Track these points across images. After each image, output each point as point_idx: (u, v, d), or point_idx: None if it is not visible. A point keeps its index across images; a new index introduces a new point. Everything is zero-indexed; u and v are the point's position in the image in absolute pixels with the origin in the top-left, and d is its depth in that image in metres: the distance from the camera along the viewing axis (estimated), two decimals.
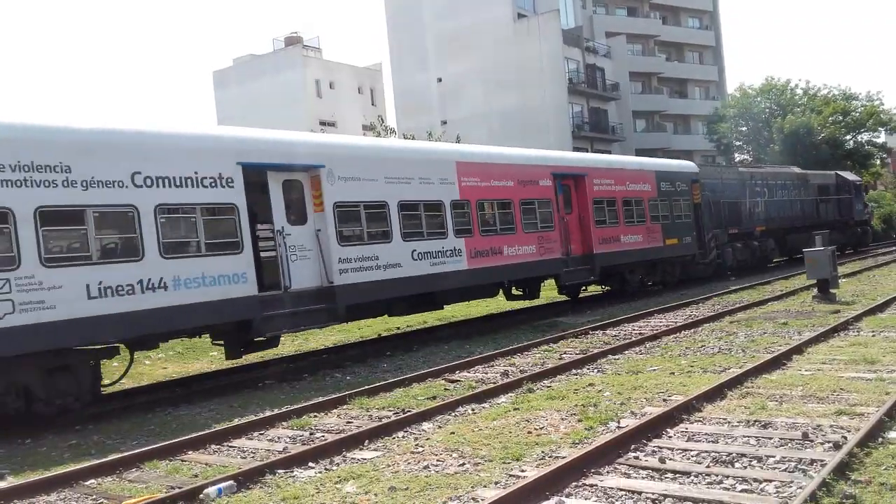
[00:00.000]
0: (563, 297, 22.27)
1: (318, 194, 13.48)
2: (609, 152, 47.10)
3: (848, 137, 54.95)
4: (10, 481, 7.56)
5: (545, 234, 18.30)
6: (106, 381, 11.73)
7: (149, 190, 11.08)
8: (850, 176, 37.23)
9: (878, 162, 59.28)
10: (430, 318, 19.65)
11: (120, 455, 8.06)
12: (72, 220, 10.28)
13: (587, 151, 45.07)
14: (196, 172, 11.64)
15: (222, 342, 13.20)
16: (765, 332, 13.19)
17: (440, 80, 51.12)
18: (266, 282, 12.74)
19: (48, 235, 10.00)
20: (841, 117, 54.03)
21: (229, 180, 12.01)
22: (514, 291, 19.33)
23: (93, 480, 7.41)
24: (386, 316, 14.45)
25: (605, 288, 22.71)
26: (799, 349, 10.93)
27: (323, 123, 52.79)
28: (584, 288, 22.34)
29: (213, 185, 11.83)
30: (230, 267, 11.87)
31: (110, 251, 10.73)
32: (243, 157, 12.37)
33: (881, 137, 59.17)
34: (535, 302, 20.97)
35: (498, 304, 22.26)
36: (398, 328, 19.56)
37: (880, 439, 6.44)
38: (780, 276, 24.83)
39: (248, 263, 12.12)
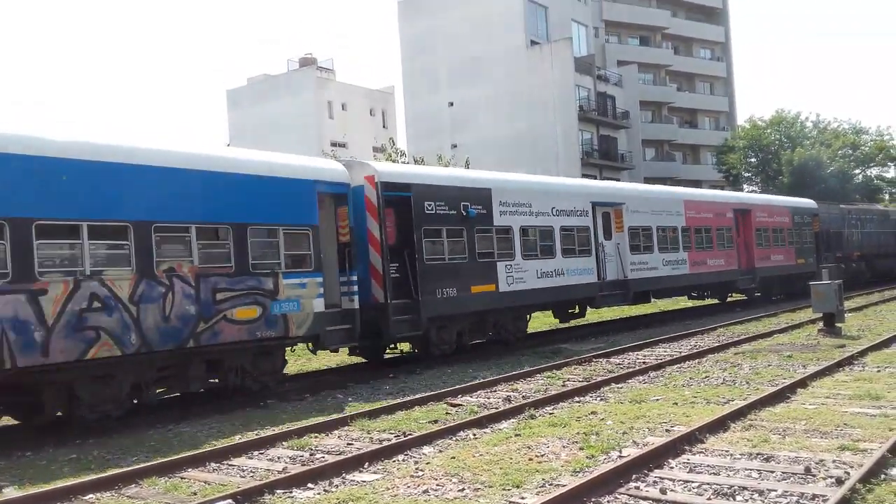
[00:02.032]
0: (741, 297, 29.08)
1: (619, 221, 21.43)
2: (618, 180, 47.19)
3: (857, 171, 54.99)
4: (8, 494, 7.56)
5: (728, 252, 26.04)
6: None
7: (556, 217, 19.13)
8: None
9: (887, 197, 59.24)
10: None
11: (119, 470, 8.05)
12: (532, 233, 18.43)
13: (595, 178, 45.21)
14: (574, 207, 19.74)
15: (554, 313, 21.26)
16: (769, 365, 13.12)
17: (451, 104, 51.45)
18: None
19: (524, 242, 18.03)
20: (850, 151, 54.15)
21: (586, 212, 20.16)
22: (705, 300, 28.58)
23: (91, 495, 7.40)
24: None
25: (757, 294, 28.67)
26: (803, 383, 10.87)
27: (334, 145, 53.11)
28: (730, 295, 29.16)
29: (581, 214, 19.95)
30: (587, 264, 19.88)
31: (545, 249, 18.71)
32: (593, 199, 20.71)
33: (890, 172, 59.19)
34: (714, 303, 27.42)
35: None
36: (402, 351, 19.51)
37: (883, 476, 6.40)
38: (787, 308, 24.75)
39: (594, 262, 20.16)
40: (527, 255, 17.97)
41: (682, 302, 30.15)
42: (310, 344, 13.99)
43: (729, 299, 29.35)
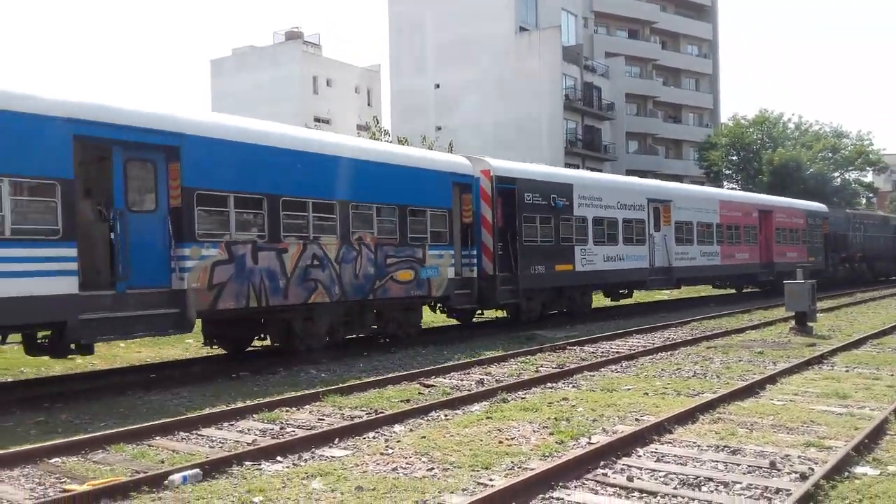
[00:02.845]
0: (756, 289, 32.99)
1: (667, 216, 24.70)
2: (600, 171, 47.33)
3: (836, 174, 55.55)
4: None
5: (752, 247, 29.45)
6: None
7: (620, 210, 22.34)
8: None
9: (864, 201, 59.97)
10: None
11: (87, 436, 7.98)
12: (601, 223, 21.53)
13: (578, 168, 45.30)
14: (633, 202, 23.04)
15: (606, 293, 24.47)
16: (740, 360, 13.27)
17: (438, 86, 51.19)
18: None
19: (595, 230, 21.13)
20: (830, 154, 54.65)
21: (642, 206, 23.43)
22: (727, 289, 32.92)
23: (57, 459, 7.33)
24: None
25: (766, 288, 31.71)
26: (773, 379, 11.00)
27: (318, 120, 52.73)
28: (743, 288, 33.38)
29: (638, 209, 23.23)
30: (641, 251, 23.10)
31: (611, 237, 21.81)
32: (648, 195, 24.01)
33: (868, 177, 59.84)
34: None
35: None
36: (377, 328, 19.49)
37: (847, 473, 6.49)
38: (760, 305, 25.04)
39: (647, 250, 23.47)
40: (597, 241, 21.33)
41: (660, 295, 30.96)
42: (438, 305, 17.61)
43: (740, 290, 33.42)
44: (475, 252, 17.55)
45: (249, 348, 15.03)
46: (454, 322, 19.91)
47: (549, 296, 20.15)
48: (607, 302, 25.28)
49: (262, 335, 14.45)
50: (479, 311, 19.33)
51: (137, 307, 11.04)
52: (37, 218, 10.00)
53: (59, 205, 10.09)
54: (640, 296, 29.24)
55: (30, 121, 9.86)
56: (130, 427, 8.33)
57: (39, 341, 10.94)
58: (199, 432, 8.46)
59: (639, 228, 23.19)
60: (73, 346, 10.48)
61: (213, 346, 14.50)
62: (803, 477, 6.39)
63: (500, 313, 20.30)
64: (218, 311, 12.16)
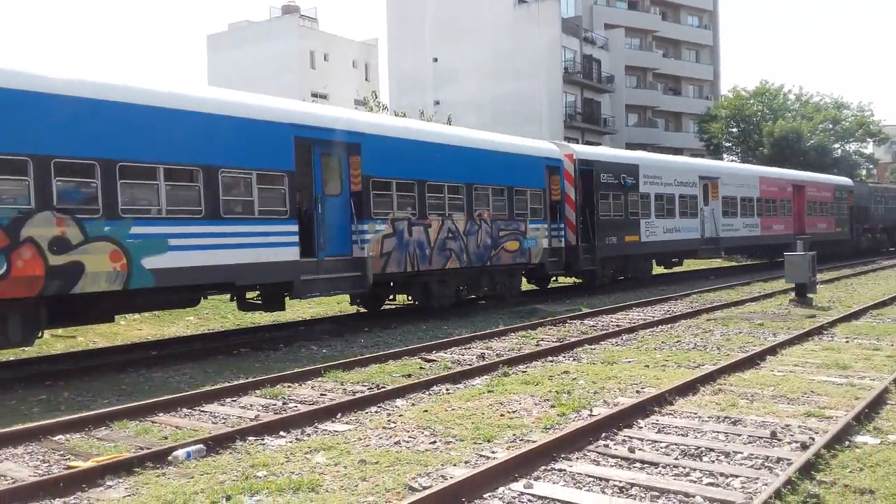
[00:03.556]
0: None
1: (715, 191, 27.26)
2: (600, 144, 47.13)
3: (836, 146, 55.32)
4: None
5: (787, 219, 32.34)
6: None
7: (677, 187, 25.06)
8: None
9: (864, 172, 59.80)
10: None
11: (90, 413, 8.01)
12: (662, 198, 24.22)
13: (578, 142, 45.11)
14: (687, 180, 25.85)
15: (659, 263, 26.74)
16: (740, 332, 13.30)
17: (436, 60, 50.81)
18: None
19: (657, 205, 23.85)
20: (831, 125, 54.38)
21: (695, 183, 26.19)
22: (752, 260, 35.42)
23: (61, 436, 7.36)
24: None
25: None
26: (773, 350, 11.03)
27: (315, 95, 52.36)
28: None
29: (691, 185, 25.95)
30: (694, 224, 25.93)
31: (669, 211, 24.53)
32: (700, 173, 26.78)
33: (869, 148, 59.59)
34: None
35: None
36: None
37: (847, 442, 6.52)
38: (760, 278, 25.06)
39: (699, 222, 26.08)
40: (658, 215, 24.07)
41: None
42: (523, 273, 19.91)
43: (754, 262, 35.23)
44: (562, 225, 20.54)
45: (383, 307, 17.92)
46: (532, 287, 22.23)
47: (619, 263, 22.94)
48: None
49: (392, 297, 17.58)
50: (552, 278, 22.13)
51: (331, 271, 13.94)
52: (273, 201, 12.76)
53: (286, 191, 12.90)
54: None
55: (266, 126, 12.66)
56: (133, 404, 8.36)
57: (250, 300, 13.88)
58: (201, 408, 8.49)
59: (692, 203, 25.93)
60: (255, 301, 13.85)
61: (357, 304, 17.47)
62: (804, 446, 6.42)
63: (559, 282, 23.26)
64: (386, 274, 15.04)
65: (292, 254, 13.02)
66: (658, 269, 26.97)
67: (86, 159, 10.30)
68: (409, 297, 17.22)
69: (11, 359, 12.47)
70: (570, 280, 22.90)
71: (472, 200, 17.10)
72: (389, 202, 15.02)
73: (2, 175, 9.57)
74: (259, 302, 13.87)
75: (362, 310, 17.57)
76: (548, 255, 19.68)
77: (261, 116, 12.62)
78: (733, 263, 35.24)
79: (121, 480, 5.96)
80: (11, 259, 9.49)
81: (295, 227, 13.10)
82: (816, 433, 6.84)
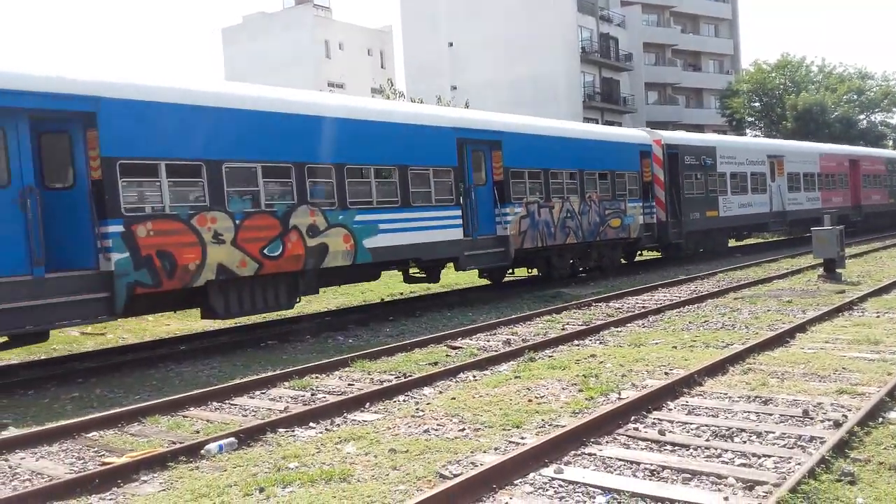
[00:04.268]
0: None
1: (781, 168, 29.62)
2: (620, 124, 46.72)
3: (861, 117, 54.40)
4: (12, 431, 7.62)
5: (844, 192, 34.65)
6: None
7: (748, 166, 27.52)
8: None
9: (891, 143, 58.76)
10: (433, 286, 19.65)
11: (122, 409, 8.11)
12: (736, 177, 26.72)
13: (597, 122, 44.76)
14: (757, 159, 28.28)
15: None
16: (769, 310, 13.16)
17: (451, 44, 50.54)
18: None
19: (731, 183, 26.43)
20: (855, 96, 53.46)
21: (763, 162, 28.55)
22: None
23: (95, 433, 7.46)
24: (402, 277, 18.75)
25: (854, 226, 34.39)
26: (802, 327, 10.90)
27: (331, 85, 52.37)
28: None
29: (760, 164, 28.35)
30: (763, 199, 28.27)
31: (742, 188, 27.04)
32: (768, 152, 29.31)
33: (895, 118, 58.46)
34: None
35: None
36: (401, 293, 19.61)
37: (881, 419, 6.43)
38: (787, 254, 24.77)
39: (768, 198, 28.57)
40: (733, 192, 26.55)
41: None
42: (610, 248, 21.71)
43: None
44: (653, 204, 23.06)
45: (505, 279, 20.61)
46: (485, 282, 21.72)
47: (700, 237, 25.24)
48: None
49: (511, 270, 20.21)
50: (638, 252, 24.81)
51: (482, 248, 16.63)
52: (444, 191, 15.71)
53: (452, 183, 15.87)
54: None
55: (436, 130, 15.69)
56: (164, 399, 8.46)
57: (414, 274, 16.89)
58: (231, 402, 8.57)
59: (761, 180, 28.38)
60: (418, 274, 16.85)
61: (485, 276, 20.26)
62: (837, 424, 6.35)
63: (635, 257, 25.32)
64: (524, 249, 17.70)
65: (458, 234, 15.93)
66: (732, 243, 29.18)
67: (326, 164, 13.39)
68: (530, 270, 20.44)
69: (42, 357, 12.67)
70: (652, 255, 26.09)
71: (584, 184, 19.96)
72: (523, 188, 17.78)
73: (276, 178, 12.59)
74: (423, 275, 16.73)
75: (487, 281, 20.47)
76: (643, 230, 22.38)
77: (433, 123, 15.79)
78: (770, 239, 35.95)
79: (155, 475, 6.04)
80: (284, 242, 12.52)
81: (459, 212, 16.02)
82: (849, 410, 6.76)
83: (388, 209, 14.44)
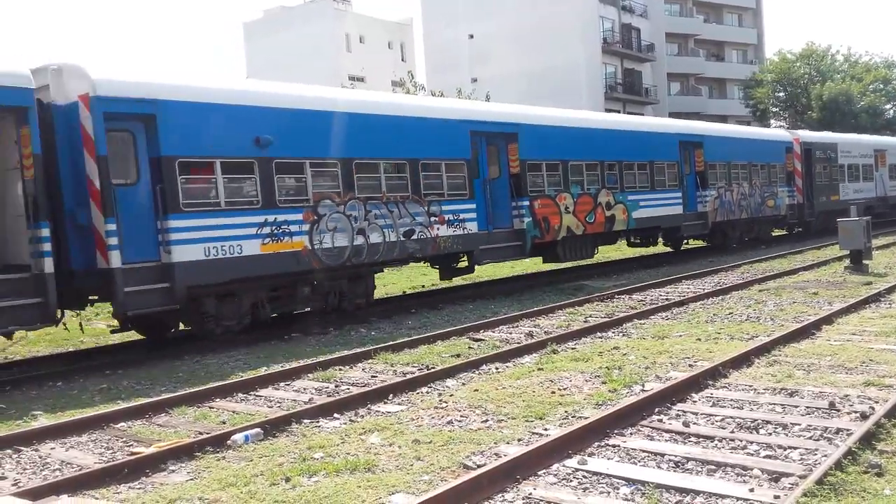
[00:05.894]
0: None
1: (883, 159, 34.80)
2: (642, 115, 46.33)
3: (888, 106, 53.55)
4: (42, 422, 7.76)
5: (871, 184, 36.14)
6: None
7: (860, 158, 33.12)
8: None
9: None
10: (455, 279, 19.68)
11: (149, 400, 8.24)
12: (850, 167, 32.45)
13: (619, 113, 44.42)
14: (866, 153, 33.53)
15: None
16: (794, 302, 13.03)
17: (472, 36, 50.41)
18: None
19: (848, 172, 32.25)
20: (882, 85, 52.61)
21: (871, 155, 34.05)
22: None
23: (123, 423, 7.58)
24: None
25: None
26: (828, 319, 10.79)
27: (352, 78, 52.45)
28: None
29: (869, 157, 34.02)
30: (871, 186, 33.95)
31: (856, 177, 32.77)
32: (874, 147, 34.74)
33: None
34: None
35: (524, 265, 22.23)
36: (423, 286, 19.64)
37: None
38: (812, 245, 24.50)
39: (874, 185, 33.99)
40: (849, 180, 31.88)
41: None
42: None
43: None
44: (793, 189, 28.61)
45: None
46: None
47: (826, 217, 28.23)
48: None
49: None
50: (773, 230, 29.01)
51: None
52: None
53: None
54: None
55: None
56: (191, 390, 8.57)
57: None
58: (256, 393, 8.66)
59: (869, 170, 33.76)
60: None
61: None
62: (864, 416, 6.29)
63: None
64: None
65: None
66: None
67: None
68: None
69: (70, 349, 12.86)
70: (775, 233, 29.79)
71: (751, 174, 25.82)
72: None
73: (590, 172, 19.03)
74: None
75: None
76: (787, 210, 28.18)
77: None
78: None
79: (183, 465, 6.12)
80: (597, 211, 19.04)
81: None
82: (876, 402, 6.69)
83: (640, 191, 20.67)
